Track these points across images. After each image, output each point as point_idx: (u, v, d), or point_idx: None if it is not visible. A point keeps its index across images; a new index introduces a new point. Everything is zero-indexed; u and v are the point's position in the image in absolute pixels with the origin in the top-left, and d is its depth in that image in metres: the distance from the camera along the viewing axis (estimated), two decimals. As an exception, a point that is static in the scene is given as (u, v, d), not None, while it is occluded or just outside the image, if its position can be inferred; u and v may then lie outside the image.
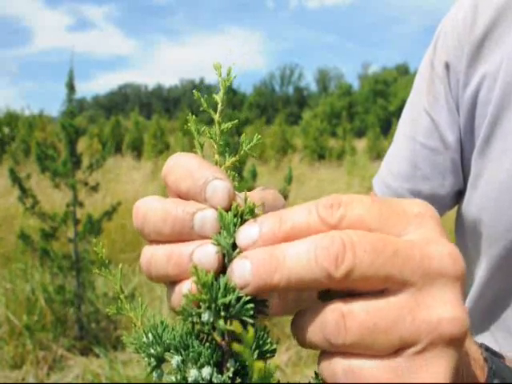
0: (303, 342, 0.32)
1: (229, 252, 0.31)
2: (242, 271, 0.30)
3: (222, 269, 0.32)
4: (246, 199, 0.33)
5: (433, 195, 0.79)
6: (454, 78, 0.75)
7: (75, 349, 3.53)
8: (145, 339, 0.32)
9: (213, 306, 0.30)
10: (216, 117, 0.36)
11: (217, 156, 0.36)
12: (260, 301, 0.32)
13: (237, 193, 0.34)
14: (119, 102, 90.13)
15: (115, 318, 3.82)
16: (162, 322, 0.33)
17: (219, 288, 0.30)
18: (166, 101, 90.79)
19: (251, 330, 0.24)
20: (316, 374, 0.34)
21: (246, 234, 0.31)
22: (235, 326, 0.24)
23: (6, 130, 14.30)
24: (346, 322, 0.29)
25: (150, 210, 0.34)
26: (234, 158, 0.36)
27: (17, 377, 3.22)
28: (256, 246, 0.31)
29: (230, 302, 0.30)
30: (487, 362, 0.38)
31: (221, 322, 0.29)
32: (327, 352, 0.31)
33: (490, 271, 0.72)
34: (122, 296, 0.36)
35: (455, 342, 0.29)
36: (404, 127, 0.84)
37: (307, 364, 3.41)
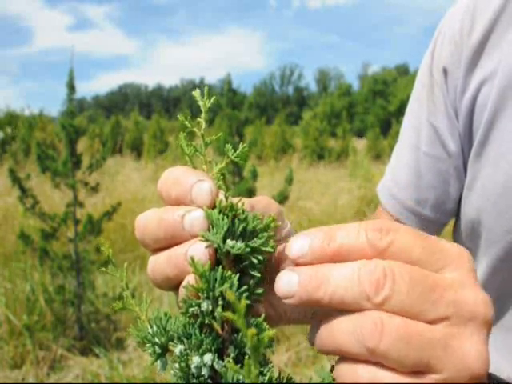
0: (327, 343, 0.32)
1: (220, 246, 0.33)
2: (290, 281, 0.32)
3: (217, 262, 0.34)
4: (226, 196, 0.36)
5: (439, 203, 0.80)
6: (452, 83, 0.75)
7: (75, 349, 3.53)
8: (150, 330, 0.35)
9: (211, 294, 0.32)
10: (200, 133, 0.39)
11: (204, 166, 0.39)
12: (255, 289, 0.34)
13: (221, 192, 0.37)
14: (119, 102, 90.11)
15: (115, 318, 3.82)
16: (165, 314, 0.36)
17: (216, 278, 0.32)
18: (166, 101, 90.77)
19: (244, 300, 0.26)
20: (332, 367, 0.35)
21: (298, 245, 0.33)
22: (228, 295, 0.26)
23: (9, 130, 14.27)
24: (384, 328, 0.29)
25: (147, 220, 0.36)
26: (221, 166, 0.39)
27: (17, 377, 3.22)
28: (306, 257, 0.33)
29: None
30: None
31: (219, 309, 0.32)
32: (352, 358, 0.31)
33: (488, 272, 0.72)
34: (127, 292, 0.38)
35: (476, 380, 0.30)
36: (406, 136, 0.84)
37: (307, 365, 3.41)
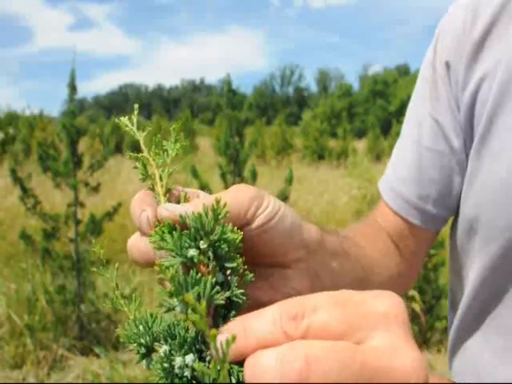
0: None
1: (185, 262, 0.34)
2: None
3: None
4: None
5: (441, 198, 0.79)
6: (454, 77, 0.75)
7: (75, 349, 3.53)
8: (135, 330, 0.35)
9: (180, 298, 0.31)
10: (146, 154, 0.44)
11: (159, 188, 0.43)
12: (238, 286, 0.34)
13: (165, 207, 0.40)
14: (119, 102, 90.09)
15: (116, 318, 3.82)
16: (151, 315, 0.36)
17: (187, 282, 0.31)
18: (166, 101, 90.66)
19: (204, 303, 0.27)
20: None
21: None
22: (187, 298, 0.27)
23: (11, 130, 14.34)
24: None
25: (132, 249, 0.41)
26: (164, 183, 0.43)
27: (17, 377, 3.22)
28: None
29: (199, 292, 0.31)
30: None
31: (189, 312, 0.31)
32: None
33: (485, 271, 0.71)
34: (117, 292, 0.39)
35: None
36: (408, 132, 0.84)
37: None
